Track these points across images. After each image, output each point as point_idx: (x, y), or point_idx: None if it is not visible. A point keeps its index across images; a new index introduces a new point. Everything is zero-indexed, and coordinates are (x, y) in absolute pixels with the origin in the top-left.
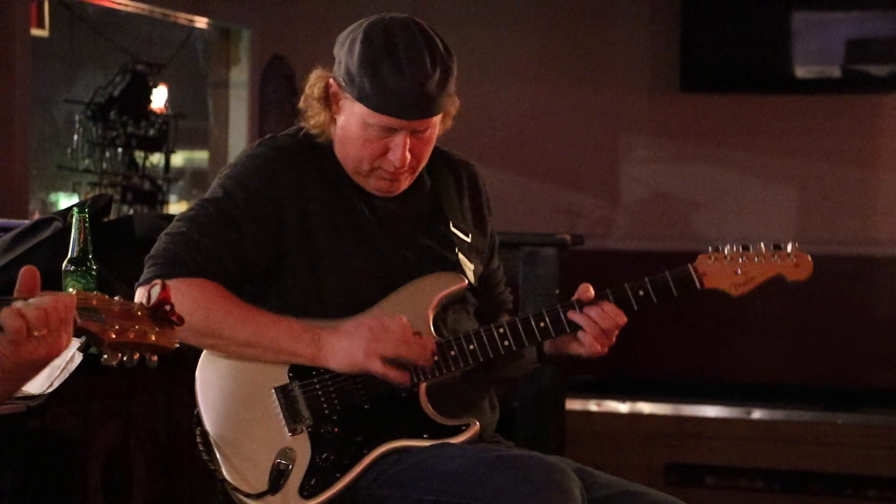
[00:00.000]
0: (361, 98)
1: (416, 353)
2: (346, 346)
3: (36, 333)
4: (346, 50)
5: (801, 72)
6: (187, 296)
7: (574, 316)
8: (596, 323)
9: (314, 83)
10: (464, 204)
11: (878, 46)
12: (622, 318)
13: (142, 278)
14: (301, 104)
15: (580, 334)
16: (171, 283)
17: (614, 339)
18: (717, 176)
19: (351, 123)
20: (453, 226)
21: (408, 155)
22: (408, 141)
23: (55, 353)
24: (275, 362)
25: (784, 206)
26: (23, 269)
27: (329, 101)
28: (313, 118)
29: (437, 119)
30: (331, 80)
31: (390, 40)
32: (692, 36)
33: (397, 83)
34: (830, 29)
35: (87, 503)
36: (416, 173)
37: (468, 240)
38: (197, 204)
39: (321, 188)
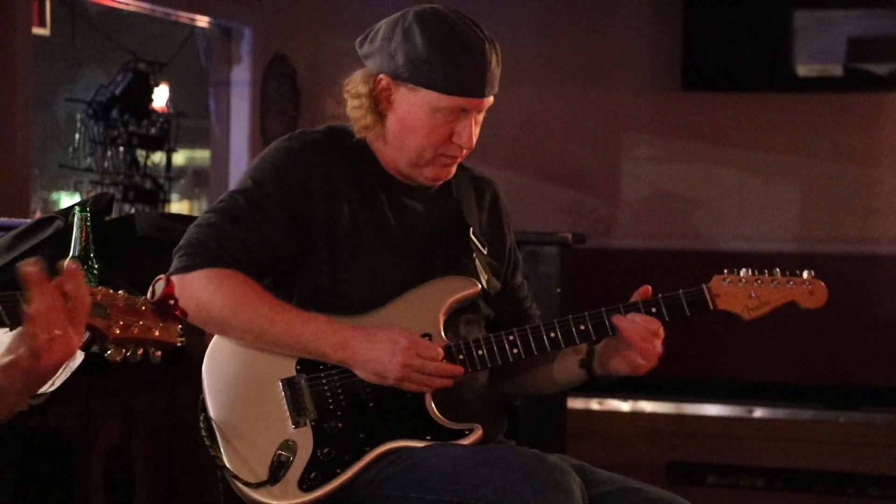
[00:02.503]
0: (430, 83)
1: (445, 382)
2: (378, 360)
3: (58, 331)
4: (399, 42)
5: (802, 70)
6: (219, 287)
7: (618, 320)
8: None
9: (358, 83)
10: (483, 218)
11: (879, 45)
12: (655, 324)
13: (171, 269)
14: (348, 110)
15: (623, 348)
16: (202, 272)
17: (660, 348)
18: (718, 174)
19: (413, 114)
20: (472, 233)
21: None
22: (473, 121)
23: (70, 355)
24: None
25: (785, 205)
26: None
27: (377, 99)
28: (362, 119)
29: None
30: (380, 77)
31: (448, 25)
32: (694, 34)
33: (467, 62)
34: (832, 27)
35: (88, 502)
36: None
37: (484, 251)
38: (227, 195)
39: (349, 185)
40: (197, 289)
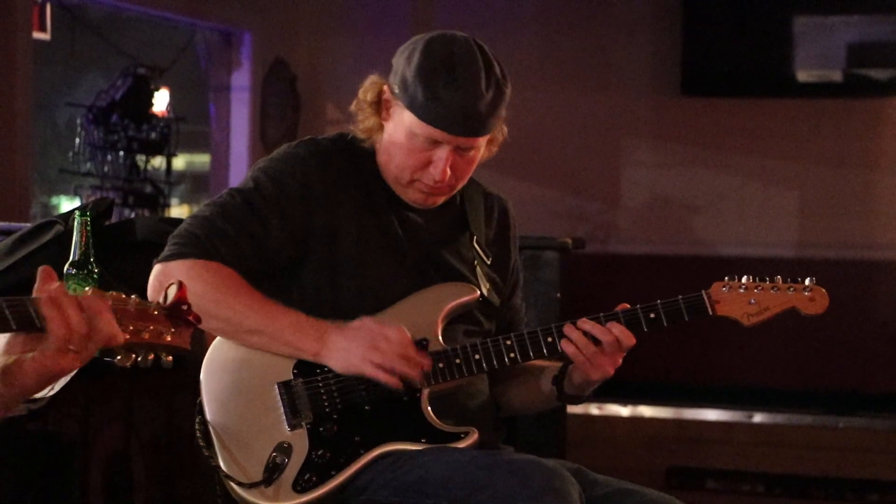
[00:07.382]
0: (412, 107)
1: (410, 369)
2: (345, 347)
3: (72, 347)
4: (404, 59)
5: (802, 76)
6: (200, 277)
7: (570, 334)
8: (596, 341)
9: (368, 88)
10: (490, 233)
11: (879, 50)
12: (630, 340)
13: (161, 255)
14: (352, 107)
15: (573, 355)
16: (186, 262)
17: (620, 360)
18: (718, 179)
19: (398, 131)
20: (475, 242)
21: (448, 171)
22: (450, 156)
23: (77, 367)
24: (279, 354)
25: (785, 210)
26: (40, 269)
27: (380, 107)
28: (363, 122)
29: (482, 140)
30: (385, 87)
31: (450, 55)
32: (694, 40)
33: (449, 97)
34: (832, 33)
35: None
36: (454, 192)
37: (487, 262)
38: (226, 192)
39: (354, 195)
40: (178, 276)
